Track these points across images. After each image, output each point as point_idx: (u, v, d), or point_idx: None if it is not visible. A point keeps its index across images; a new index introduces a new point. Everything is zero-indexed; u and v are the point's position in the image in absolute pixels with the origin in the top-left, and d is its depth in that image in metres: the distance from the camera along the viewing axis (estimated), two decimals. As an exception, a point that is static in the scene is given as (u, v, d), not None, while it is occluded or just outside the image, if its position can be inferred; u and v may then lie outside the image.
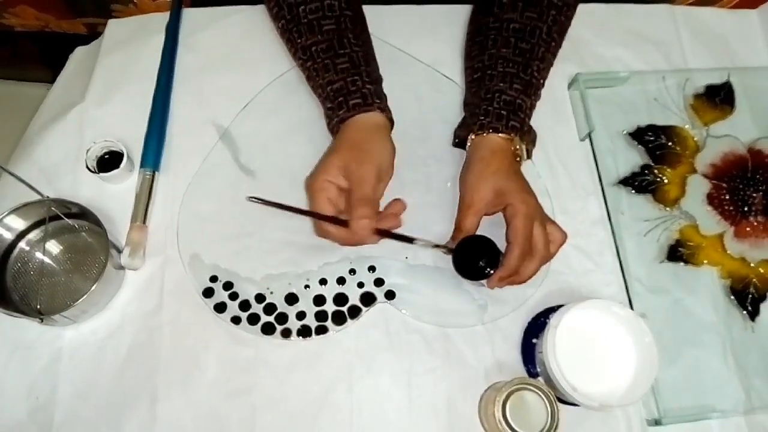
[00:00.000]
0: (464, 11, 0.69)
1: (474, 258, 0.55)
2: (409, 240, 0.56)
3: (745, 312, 0.60)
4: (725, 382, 0.57)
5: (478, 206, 0.55)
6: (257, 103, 0.66)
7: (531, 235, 0.53)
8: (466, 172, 0.58)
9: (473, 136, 0.58)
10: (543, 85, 0.61)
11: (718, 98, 0.68)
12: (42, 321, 0.53)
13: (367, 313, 0.57)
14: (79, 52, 0.71)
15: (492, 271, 0.54)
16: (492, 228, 0.57)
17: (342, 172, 0.53)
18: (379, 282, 0.58)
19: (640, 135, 0.66)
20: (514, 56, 0.58)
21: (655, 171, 0.65)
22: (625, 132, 0.67)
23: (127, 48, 0.68)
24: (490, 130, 0.57)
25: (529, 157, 0.60)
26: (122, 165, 0.59)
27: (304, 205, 0.61)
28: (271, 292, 0.58)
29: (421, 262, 0.59)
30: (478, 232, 0.56)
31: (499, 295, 0.58)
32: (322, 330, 0.56)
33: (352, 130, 0.56)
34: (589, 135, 0.65)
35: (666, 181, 0.65)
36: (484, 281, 0.56)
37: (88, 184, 0.61)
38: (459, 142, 0.62)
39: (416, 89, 0.66)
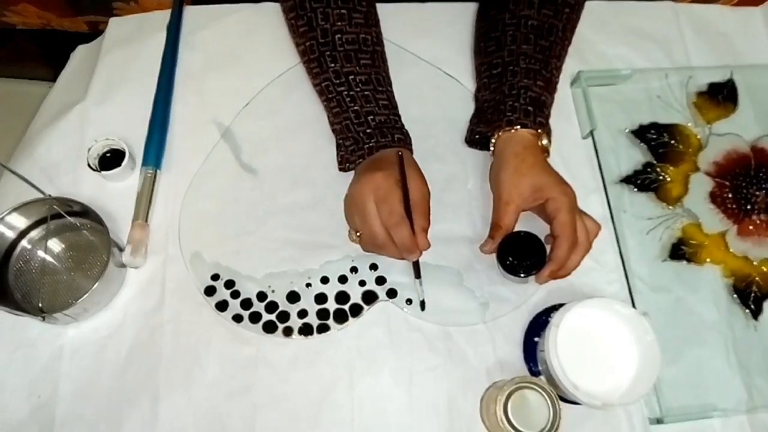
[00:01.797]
0: (466, 8, 0.69)
1: (520, 255, 0.54)
2: (418, 275, 0.56)
3: (747, 310, 0.60)
4: (727, 381, 0.57)
5: (517, 202, 0.55)
6: (259, 102, 0.65)
7: (576, 227, 0.53)
8: (499, 170, 0.57)
9: (500, 133, 0.57)
10: (558, 82, 0.61)
11: (720, 96, 0.68)
12: (44, 319, 0.53)
13: (368, 311, 0.57)
14: (81, 50, 0.71)
15: (537, 270, 0.54)
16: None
17: (399, 184, 0.53)
18: (380, 280, 0.58)
19: (642, 133, 0.66)
20: (535, 53, 0.58)
21: (658, 169, 0.65)
22: (627, 130, 0.67)
23: (129, 46, 0.68)
24: (519, 126, 0.56)
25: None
26: (124, 163, 0.59)
27: (304, 203, 0.61)
28: (273, 291, 0.58)
29: (423, 260, 0.59)
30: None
31: (501, 294, 0.58)
32: (323, 328, 0.56)
33: (405, 154, 0.56)
34: (591, 133, 0.65)
35: (668, 179, 0.64)
36: (531, 277, 0.55)
37: (89, 182, 0.61)
38: (479, 138, 0.61)
39: (418, 87, 0.66)
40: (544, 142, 0.58)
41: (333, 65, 0.57)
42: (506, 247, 0.55)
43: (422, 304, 0.57)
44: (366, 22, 0.59)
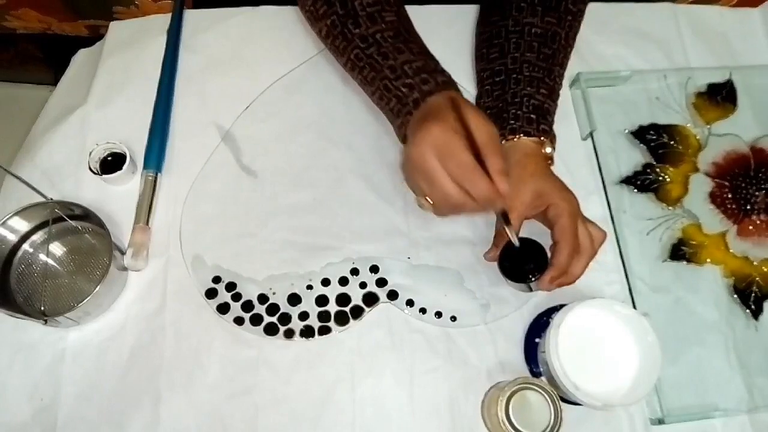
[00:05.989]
0: (464, 11, 0.69)
1: (522, 261, 0.54)
2: (507, 221, 0.51)
3: (747, 311, 0.60)
4: (728, 381, 0.57)
5: (519, 210, 0.54)
6: (259, 105, 0.66)
7: (577, 232, 0.53)
8: None
9: (503, 141, 0.57)
10: (561, 89, 0.61)
11: (719, 97, 0.68)
12: (45, 322, 0.53)
13: (369, 313, 0.57)
14: (82, 54, 0.71)
15: (536, 275, 0.53)
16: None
17: (459, 131, 0.46)
18: (381, 282, 0.58)
19: (641, 134, 0.66)
20: (538, 61, 0.58)
21: (658, 170, 0.65)
22: (626, 131, 0.67)
23: (130, 50, 0.68)
24: (521, 135, 0.56)
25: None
26: (125, 167, 0.59)
27: (305, 205, 0.61)
28: (274, 293, 0.58)
29: (423, 261, 0.59)
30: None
31: (502, 295, 0.58)
32: (325, 330, 0.56)
33: (456, 96, 0.50)
34: (591, 134, 0.65)
35: (668, 179, 0.64)
36: (532, 284, 0.55)
37: (91, 185, 0.61)
38: None
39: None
40: (548, 149, 0.57)
41: (357, 30, 0.54)
42: (507, 254, 0.55)
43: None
44: None
